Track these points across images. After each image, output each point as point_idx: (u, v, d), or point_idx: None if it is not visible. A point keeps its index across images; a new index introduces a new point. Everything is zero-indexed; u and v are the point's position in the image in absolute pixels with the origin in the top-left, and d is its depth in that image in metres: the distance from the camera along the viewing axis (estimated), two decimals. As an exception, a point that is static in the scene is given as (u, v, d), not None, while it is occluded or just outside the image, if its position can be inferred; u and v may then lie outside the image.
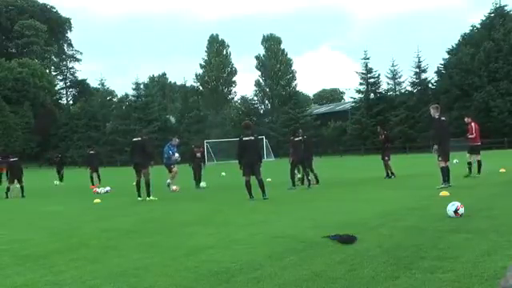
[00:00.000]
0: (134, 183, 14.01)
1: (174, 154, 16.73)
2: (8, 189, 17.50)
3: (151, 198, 13.27)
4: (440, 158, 11.98)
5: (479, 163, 14.83)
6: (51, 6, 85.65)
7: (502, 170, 16.26)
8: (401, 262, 4.65)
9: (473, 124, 15.13)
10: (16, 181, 17.57)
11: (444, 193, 10.15)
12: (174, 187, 16.27)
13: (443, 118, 12.35)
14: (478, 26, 56.19)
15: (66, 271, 5.12)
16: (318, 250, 5.49)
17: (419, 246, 5.35)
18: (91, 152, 22.96)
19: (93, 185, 20.48)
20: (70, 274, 4.97)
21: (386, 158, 16.61)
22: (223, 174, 25.53)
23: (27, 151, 63.86)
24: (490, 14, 55.31)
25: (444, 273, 4.23)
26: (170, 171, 16.71)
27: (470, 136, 15.07)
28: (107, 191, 17.22)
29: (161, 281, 4.52)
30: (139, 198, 13.32)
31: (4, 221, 10.49)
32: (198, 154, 17.80)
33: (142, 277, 4.71)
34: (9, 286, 4.69)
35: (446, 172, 11.90)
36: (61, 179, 24.93)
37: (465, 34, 57.45)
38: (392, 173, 16.60)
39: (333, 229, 6.56)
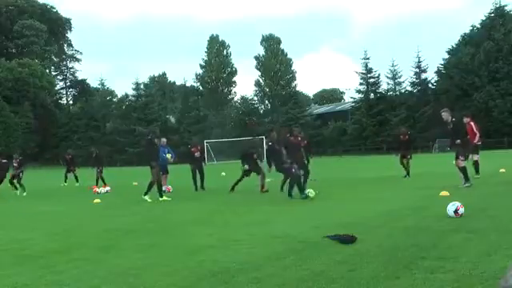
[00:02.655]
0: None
1: (166, 155, 16.61)
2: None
3: (146, 197, 13.01)
4: (462, 158, 11.97)
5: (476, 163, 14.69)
6: (51, 6, 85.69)
7: (502, 170, 16.26)
8: (401, 262, 4.65)
9: (472, 123, 15.05)
10: None
11: (444, 193, 10.15)
12: (168, 187, 16.21)
13: (456, 120, 12.49)
14: (478, 26, 56.22)
15: (66, 271, 5.12)
16: (317, 250, 5.49)
17: (419, 245, 5.35)
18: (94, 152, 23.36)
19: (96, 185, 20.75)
20: (69, 274, 4.97)
21: (409, 157, 16.70)
22: (223, 173, 25.53)
23: (27, 151, 63.86)
24: (489, 13, 55.33)
25: (444, 273, 4.23)
26: (163, 174, 16.61)
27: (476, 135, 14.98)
28: (107, 191, 17.22)
29: (161, 281, 4.52)
30: (160, 199, 13.05)
31: (4, 221, 10.49)
32: (197, 154, 16.73)
33: (142, 277, 4.71)
34: (9, 286, 4.68)
35: (466, 171, 11.91)
36: (76, 179, 24.38)
37: (465, 34, 57.51)
38: (408, 172, 16.60)
39: (333, 229, 6.56)
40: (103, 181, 20.95)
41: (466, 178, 11.82)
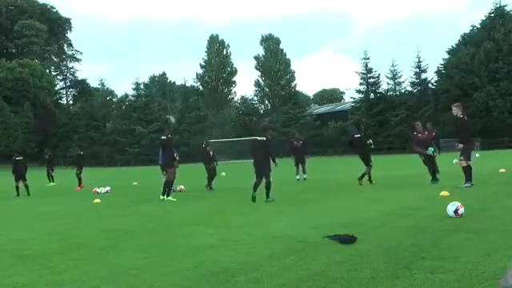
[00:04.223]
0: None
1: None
2: (17, 187, 18.27)
3: (166, 198, 12.84)
4: (462, 158, 11.88)
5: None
6: (51, 6, 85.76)
7: (502, 170, 16.26)
8: (401, 262, 4.65)
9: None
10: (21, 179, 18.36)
11: (444, 193, 10.15)
12: (181, 186, 16.23)
13: (467, 118, 12.32)
14: (478, 26, 56.23)
15: (66, 271, 5.11)
16: (317, 249, 5.49)
17: (419, 245, 5.35)
18: (80, 153, 23.58)
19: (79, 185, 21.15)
20: (70, 274, 4.97)
21: (435, 155, 16.68)
22: (223, 173, 25.53)
23: (27, 151, 63.84)
24: (489, 13, 55.33)
25: (444, 273, 4.23)
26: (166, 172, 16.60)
27: None
28: (107, 191, 17.23)
29: (161, 281, 4.52)
30: (166, 198, 12.91)
31: (4, 220, 10.49)
32: (211, 153, 17.23)
33: (142, 277, 4.71)
34: (9, 286, 4.68)
35: (470, 171, 11.82)
36: (51, 179, 24.39)
37: (465, 34, 57.53)
38: (438, 170, 16.55)
39: (333, 229, 6.56)
40: (79, 181, 21.14)
41: (468, 179, 11.77)
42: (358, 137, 15.37)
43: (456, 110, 12.20)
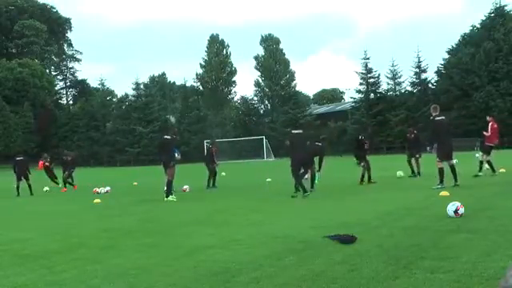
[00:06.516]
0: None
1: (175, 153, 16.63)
2: (17, 187, 18.35)
3: (166, 198, 12.81)
4: (438, 159, 12.06)
5: (488, 163, 15.36)
6: (51, 6, 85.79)
7: (502, 170, 16.26)
8: (401, 262, 4.65)
9: (491, 123, 15.69)
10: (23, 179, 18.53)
11: (444, 193, 10.16)
12: (186, 187, 16.23)
13: (440, 118, 12.33)
14: (478, 26, 56.27)
15: (66, 271, 5.11)
16: (318, 249, 5.49)
17: (419, 245, 5.35)
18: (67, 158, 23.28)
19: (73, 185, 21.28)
20: (69, 274, 4.97)
21: (418, 156, 16.79)
22: (223, 174, 25.53)
23: (27, 151, 63.87)
24: (489, 14, 55.35)
25: (444, 273, 4.23)
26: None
27: (484, 133, 15.86)
28: (107, 191, 17.23)
29: (161, 281, 4.52)
30: (166, 199, 12.88)
31: (4, 221, 10.49)
32: (215, 154, 17.45)
33: (142, 277, 4.71)
34: (9, 286, 4.68)
35: (442, 173, 11.96)
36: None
37: (465, 34, 57.57)
38: (419, 172, 16.63)
39: (333, 229, 6.56)
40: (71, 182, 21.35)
41: (441, 180, 11.93)
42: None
43: (432, 112, 12.44)
